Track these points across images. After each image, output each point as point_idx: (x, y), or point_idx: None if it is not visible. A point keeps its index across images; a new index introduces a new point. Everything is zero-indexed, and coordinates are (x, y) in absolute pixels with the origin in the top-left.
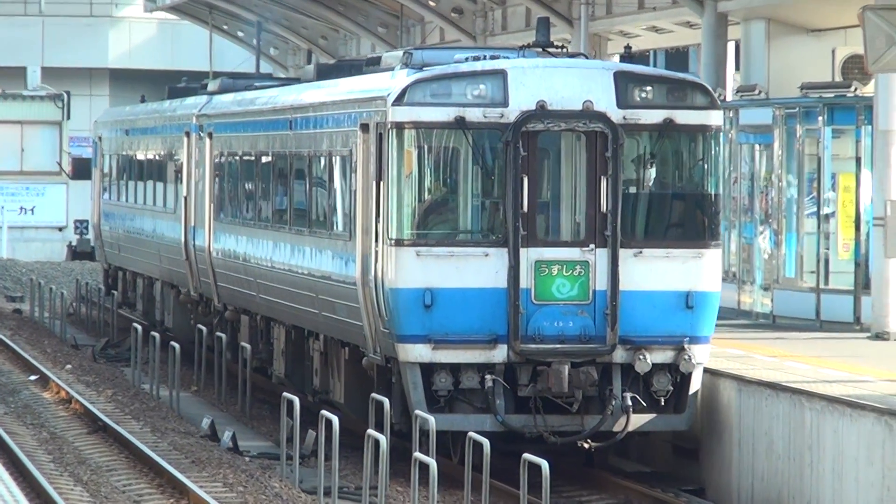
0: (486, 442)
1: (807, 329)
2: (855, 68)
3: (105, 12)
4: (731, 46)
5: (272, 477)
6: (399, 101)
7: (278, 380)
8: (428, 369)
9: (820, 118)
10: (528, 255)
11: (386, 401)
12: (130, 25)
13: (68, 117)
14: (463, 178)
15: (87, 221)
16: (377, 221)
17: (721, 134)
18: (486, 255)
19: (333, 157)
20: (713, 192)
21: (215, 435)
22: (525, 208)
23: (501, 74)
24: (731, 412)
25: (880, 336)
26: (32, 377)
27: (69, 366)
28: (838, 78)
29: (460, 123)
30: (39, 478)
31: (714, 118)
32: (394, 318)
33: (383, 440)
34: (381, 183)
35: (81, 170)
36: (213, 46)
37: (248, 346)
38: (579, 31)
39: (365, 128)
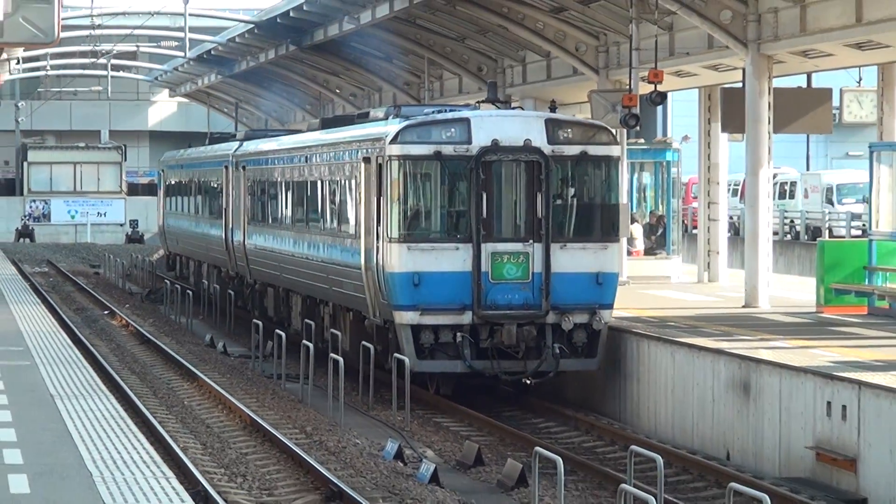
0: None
1: None
2: None
3: (146, 97)
4: None
5: (247, 369)
6: (394, 140)
7: (295, 331)
8: (416, 329)
9: None
10: (487, 248)
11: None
12: (161, 105)
13: (125, 160)
14: (439, 195)
15: (137, 220)
16: (378, 225)
17: (620, 162)
18: (457, 249)
19: (341, 181)
20: (615, 203)
21: (213, 344)
22: (484, 215)
23: (466, 121)
24: None
25: (622, 283)
26: (105, 312)
27: (127, 305)
28: None
29: (437, 156)
30: (110, 370)
31: (615, 151)
32: (392, 293)
33: (311, 347)
34: (381, 198)
35: (133, 191)
36: (210, 117)
37: (232, 292)
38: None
39: (367, 160)
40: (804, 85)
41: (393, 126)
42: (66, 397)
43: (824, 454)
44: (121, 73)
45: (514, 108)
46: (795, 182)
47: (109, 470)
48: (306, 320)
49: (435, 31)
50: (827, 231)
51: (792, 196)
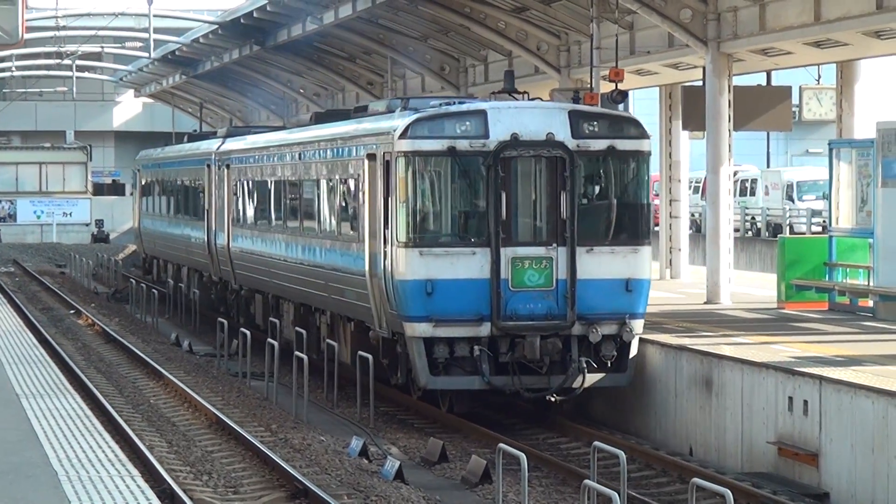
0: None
1: None
2: None
3: (111, 98)
4: None
5: (212, 367)
6: (404, 135)
7: (287, 341)
8: (429, 342)
9: None
10: (506, 253)
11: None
12: (126, 105)
13: (90, 160)
14: (454, 194)
15: (103, 220)
16: (386, 228)
17: (650, 157)
18: (474, 254)
19: (341, 179)
20: (645, 203)
21: (179, 343)
22: (503, 216)
23: (483, 114)
24: None
25: None
26: (71, 311)
27: (93, 305)
28: None
29: (451, 152)
30: (76, 369)
31: (645, 145)
32: (401, 302)
33: (276, 345)
34: (389, 198)
35: (99, 190)
36: (175, 117)
37: (197, 291)
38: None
39: (371, 157)
40: (764, 83)
41: (401, 119)
42: (32, 396)
43: (786, 449)
44: (86, 74)
45: (533, 100)
46: (756, 179)
47: (75, 469)
48: (273, 320)
49: (397, 30)
50: (787, 228)
51: (753, 193)
